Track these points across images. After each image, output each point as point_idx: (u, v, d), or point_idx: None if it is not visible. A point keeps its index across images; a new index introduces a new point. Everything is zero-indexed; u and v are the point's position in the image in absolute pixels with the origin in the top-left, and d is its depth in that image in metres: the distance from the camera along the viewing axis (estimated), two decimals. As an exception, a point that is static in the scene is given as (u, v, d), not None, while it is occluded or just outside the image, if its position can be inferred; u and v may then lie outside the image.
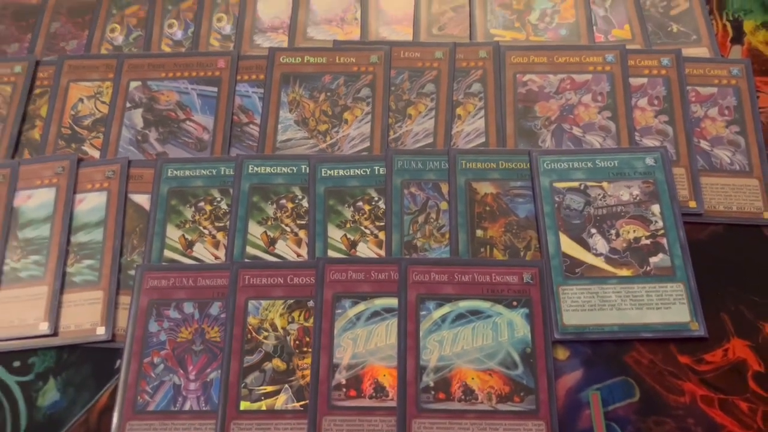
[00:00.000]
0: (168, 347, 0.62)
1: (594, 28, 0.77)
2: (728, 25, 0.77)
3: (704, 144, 0.69)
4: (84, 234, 0.68)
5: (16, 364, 0.63)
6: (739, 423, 0.57)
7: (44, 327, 0.63)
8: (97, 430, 0.60)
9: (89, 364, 0.63)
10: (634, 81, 0.72)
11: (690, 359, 0.60)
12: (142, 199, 0.69)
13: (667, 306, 0.61)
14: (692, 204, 0.66)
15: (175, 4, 0.82)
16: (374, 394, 0.59)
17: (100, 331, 0.63)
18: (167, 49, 0.79)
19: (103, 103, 0.75)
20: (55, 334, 0.63)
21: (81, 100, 0.75)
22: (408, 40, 0.78)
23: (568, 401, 0.59)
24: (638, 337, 0.61)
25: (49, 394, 0.61)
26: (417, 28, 0.78)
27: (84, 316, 0.64)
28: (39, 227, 0.68)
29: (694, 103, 0.71)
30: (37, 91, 0.77)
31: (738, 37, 0.76)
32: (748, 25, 0.77)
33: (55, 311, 0.64)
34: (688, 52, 0.74)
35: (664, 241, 0.64)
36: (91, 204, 0.69)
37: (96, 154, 0.72)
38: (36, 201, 0.69)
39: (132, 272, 0.66)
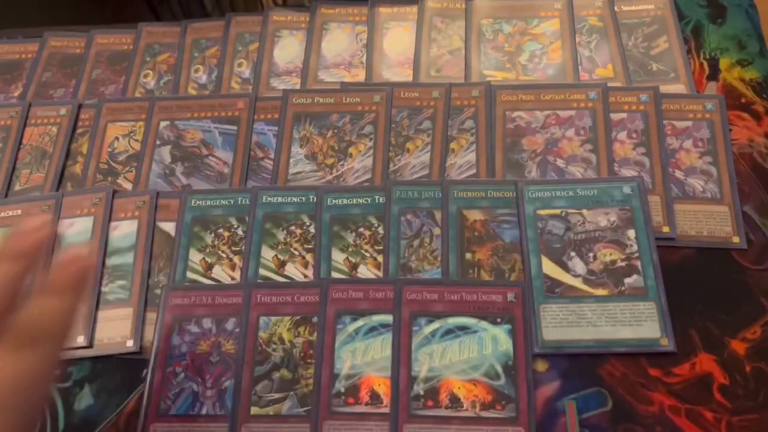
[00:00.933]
0: (188, 358, 0.70)
1: (579, 67, 0.84)
2: (705, 63, 0.83)
3: (679, 173, 0.75)
4: (117, 257, 0.76)
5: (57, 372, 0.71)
6: (704, 431, 0.62)
7: (81, 340, 0.72)
8: (125, 431, 0.67)
9: (119, 373, 0.71)
10: (615, 116, 0.79)
11: (660, 372, 0.65)
12: (169, 227, 0.78)
13: (639, 323, 0.67)
14: (666, 229, 0.72)
15: (200, 51, 0.92)
16: (370, 402, 0.65)
17: (130, 343, 0.71)
18: (193, 92, 0.88)
19: (136, 141, 0.84)
20: (90, 346, 0.72)
21: (117, 138, 0.85)
22: (409, 81, 0.85)
23: (546, 410, 0.64)
24: (612, 352, 0.66)
25: (85, 399, 0.70)
26: (417, 70, 0.86)
27: (116, 330, 0.72)
28: (78, 251, 0.77)
29: (670, 136, 0.77)
30: (79, 130, 0.86)
31: (714, 74, 0.82)
32: (723, 62, 0.82)
33: (90, 326, 0.72)
34: (666, 88, 0.80)
35: (638, 263, 0.70)
36: (124, 231, 0.78)
37: (129, 186, 0.81)
38: (76, 228, 0.78)
39: (158, 291, 0.74)
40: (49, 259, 0.76)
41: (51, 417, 0.69)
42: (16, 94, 0.91)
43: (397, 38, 0.89)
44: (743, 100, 0.79)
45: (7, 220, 0.79)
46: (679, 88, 0.81)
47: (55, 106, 0.88)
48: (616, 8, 0.88)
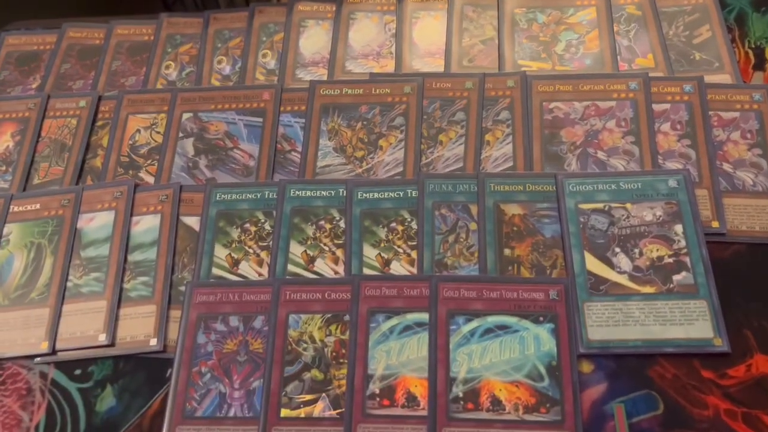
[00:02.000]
0: (215, 358, 0.67)
1: (618, 57, 0.80)
2: (750, 52, 0.79)
3: (727, 166, 0.72)
4: (139, 253, 0.73)
5: (77, 372, 0.68)
6: (762, 436, 0.58)
7: (103, 338, 0.69)
8: (149, 434, 0.64)
9: (143, 372, 0.68)
10: (657, 107, 0.75)
11: (713, 374, 0.62)
12: (193, 221, 0.75)
13: (690, 322, 0.63)
14: (715, 224, 0.69)
15: (224, 42, 0.89)
16: (406, 404, 0.62)
17: (153, 342, 0.68)
18: (216, 83, 0.86)
19: (158, 133, 0.82)
20: (112, 344, 0.69)
21: (138, 130, 0.82)
22: (440, 71, 0.82)
23: (593, 413, 0.61)
24: (661, 352, 0.63)
25: (107, 400, 0.67)
26: (448, 60, 0.83)
27: (138, 329, 0.69)
28: (99, 247, 0.74)
29: (717, 128, 0.74)
30: (99, 123, 0.84)
31: (760, 63, 0.78)
32: (770, 52, 0.79)
33: (112, 324, 0.69)
34: (711, 78, 0.77)
35: (687, 259, 0.66)
36: (146, 225, 0.75)
37: (151, 180, 0.79)
38: (97, 223, 0.76)
39: (182, 288, 0.71)
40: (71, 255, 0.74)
41: (72, 418, 0.66)
42: (34, 86, 0.89)
43: (427, 28, 0.86)
44: (792, 90, 0.76)
45: (27, 214, 0.77)
46: (724, 78, 0.77)
47: (74, 98, 0.85)
48: (654, -4, 0.85)
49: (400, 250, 0.71)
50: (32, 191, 0.79)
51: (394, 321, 0.66)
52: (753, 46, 0.80)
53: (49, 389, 0.67)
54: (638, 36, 0.82)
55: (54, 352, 0.69)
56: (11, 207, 0.77)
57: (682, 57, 0.80)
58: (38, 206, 0.77)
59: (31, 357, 0.69)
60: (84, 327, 0.70)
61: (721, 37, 0.80)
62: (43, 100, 0.85)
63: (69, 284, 0.72)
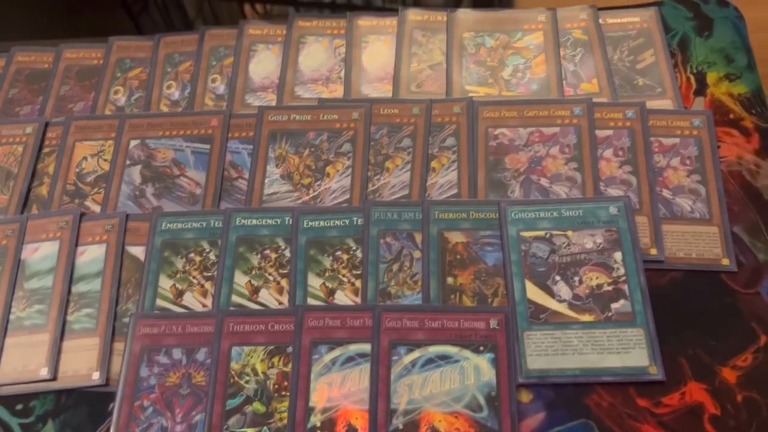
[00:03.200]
0: (157, 391, 0.66)
1: (564, 82, 0.81)
2: (692, 77, 0.81)
3: (666, 193, 0.73)
4: (84, 284, 0.73)
5: (19, 407, 0.68)
6: (694, 464, 0.59)
7: (44, 372, 0.68)
8: (90, 470, 0.64)
9: (85, 406, 0.67)
10: (600, 133, 0.76)
11: (648, 402, 0.63)
12: (138, 251, 0.74)
13: (627, 350, 0.64)
14: (653, 251, 0.70)
15: (173, 66, 0.89)
16: (347, 436, 0.63)
17: (96, 376, 0.68)
18: (165, 109, 0.85)
19: (105, 160, 0.81)
20: (54, 378, 0.68)
21: (85, 158, 0.81)
22: (388, 96, 0.83)
23: (531, 443, 0.61)
24: (599, 381, 0.63)
25: (48, 436, 0.66)
26: (397, 85, 0.83)
27: (81, 362, 0.69)
28: (43, 278, 0.73)
29: (657, 153, 0.75)
30: (46, 150, 0.83)
31: (701, 89, 0.79)
32: (711, 77, 0.80)
33: (55, 357, 0.69)
34: (653, 104, 0.78)
35: (625, 287, 0.67)
36: (91, 256, 0.75)
37: (97, 208, 0.78)
38: (41, 253, 0.75)
39: (126, 320, 0.70)
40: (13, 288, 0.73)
41: (12, 455, 0.65)
42: (-19, 111, 0.88)
43: (377, 52, 0.87)
44: (731, 116, 0.77)
45: (-31, 245, 0.76)
46: (666, 103, 0.79)
47: (21, 124, 0.85)
48: (601, 21, 0.85)
49: (345, 280, 0.71)
50: (-24, 221, 0.78)
51: (336, 352, 0.66)
52: (695, 71, 0.81)
53: (-10, 425, 0.67)
54: (584, 60, 0.83)
55: (-5, 387, 0.68)
56: (-46, 237, 0.77)
57: (626, 82, 0.81)
58: (-18, 236, 0.76)
59: (-28, 392, 0.69)
60: (26, 361, 0.69)
61: (664, 62, 0.81)
62: (-11, 127, 0.84)
63: (12, 317, 0.71)
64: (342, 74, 0.85)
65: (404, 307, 0.68)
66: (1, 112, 0.87)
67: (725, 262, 0.69)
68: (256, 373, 0.66)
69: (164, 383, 0.67)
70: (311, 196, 0.76)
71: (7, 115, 0.87)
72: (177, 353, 0.68)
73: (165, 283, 0.72)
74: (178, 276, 0.72)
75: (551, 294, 0.68)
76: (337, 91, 0.84)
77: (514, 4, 1.39)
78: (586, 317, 0.66)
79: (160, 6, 1.47)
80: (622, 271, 0.68)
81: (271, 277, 0.71)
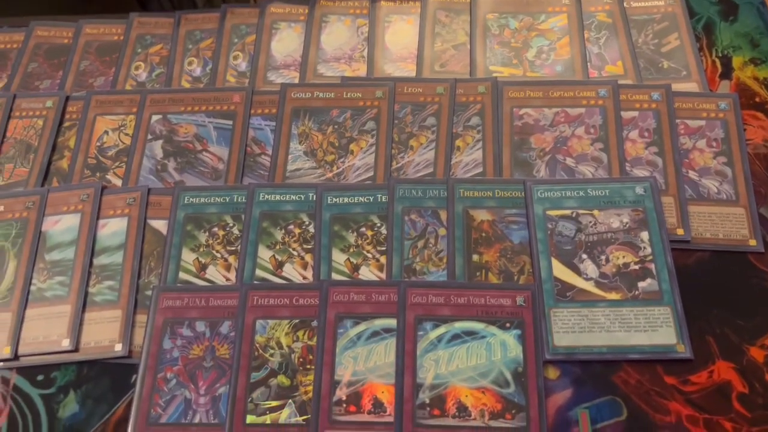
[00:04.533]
0: (180, 363, 0.66)
1: (588, 64, 0.81)
2: (717, 61, 0.80)
3: (692, 174, 0.73)
4: (105, 257, 0.72)
5: (40, 377, 0.67)
6: (723, 442, 0.59)
7: (66, 343, 0.68)
8: (112, 441, 0.64)
9: (107, 378, 0.67)
10: (626, 114, 0.76)
11: (676, 380, 0.62)
12: (160, 225, 0.74)
13: (655, 329, 0.64)
14: (680, 231, 0.69)
15: (194, 43, 0.88)
16: (373, 410, 0.62)
17: (118, 347, 0.68)
18: (187, 85, 0.85)
19: (127, 135, 0.80)
20: (76, 350, 0.68)
21: (106, 132, 0.81)
22: (412, 76, 0.82)
23: (558, 419, 0.61)
24: (626, 359, 0.63)
25: (69, 407, 0.66)
26: (420, 65, 0.83)
27: (103, 334, 0.68)
28: (64, 250, 0.73)
29: (683, 135, 0.75)
30: (66, 124, 0.82)
31: (727, 72, 0.79)
32: (736, 61, 0.80)
33: (76, 329, 0.68)
34: (678, 87, 0.78)
35: (652, 266, 0.67)
36: (113, 229, 0.74)
37: (118, 182, 0.78)
38: (62, 226, 0.74)
39: (149, 293, 0.70)
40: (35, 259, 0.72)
41: (33, 425, 0.65)
42: (0, 85, 0.87)
43: (400, 32, 0.86)
44: (757, 99, 0.77)
45: (-11, 216, 0.75)
46: (691, 86, 0.78)
47: (41, 98, 0.84)
48: (625, 4, 0.85)
49: (369, 256, 0.70)
50: (-4, 193, 0.78)
51: (361, 327, 0.66)
52: (720, 55, 0.81)
53: (11, 395, 0.66)
54: (608, 43, 0.83)
55: (16, 357, 0.68)
56: (-26, 209, 0.76)
57: (650, 65, 0.81)
58: (2, 208, 0.76)
59: (-7, 362, 0.68)
60: (47, 332, 0.69)
61: (689, 46, 0.81)
62: (9, 100, 0.84)
63: (32, 288, 0.71)
64: (365, 53, 0.85)
65: (430, 283, 0.68)
66: (20, 85, 0.87)
67: (752, 242, 0.68)
68: (280, 347, 0.66)
69: (187, 356, 0.66)
70: (335, 172, 0.76)
71: (26, 89, 0.86)
72: (200, 326, 0.67)
73: (188, 257, 0.72)
74: (202, 250, 0.72)
75: (578, 272, 0.67)
76: (360, 69, 0.84)
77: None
78: (613, 295, 0.66)
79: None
80: (648, 250, 0.68)
81: (295, 252, 0.71)
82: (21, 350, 0.68)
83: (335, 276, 0.69)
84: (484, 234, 0.70)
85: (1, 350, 0.68)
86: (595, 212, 0.70)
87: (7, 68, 0.89)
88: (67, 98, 0.84)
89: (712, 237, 0.69)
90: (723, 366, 0.63)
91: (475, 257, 0.69)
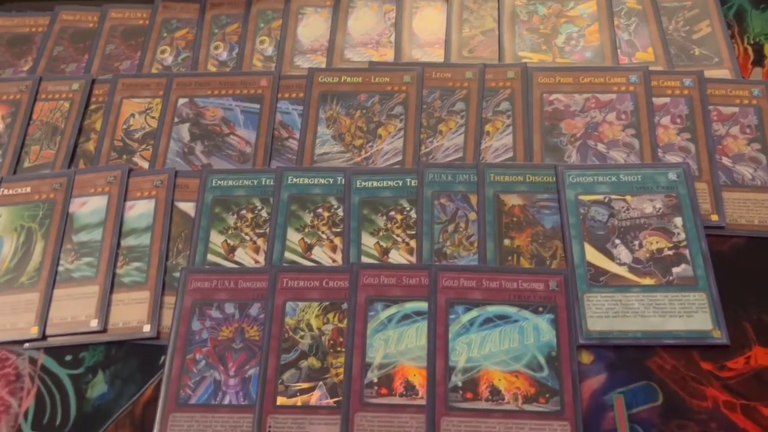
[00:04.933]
0: (209, 345, 0.65)
1: (618, 51, 0.80)
2: (749, 48, 0.80)
3: (726, 160, 0.72)
4: (133, 238, 0.72)
5: (68, 358, 0.67)
6: (761, 428, 0.58)
7: (94, 324, 0.67)
8: (141, 421, 0.63)
9: (135, 359, 0.66)
10: (657, 101, 0.75)
11: (712, 366, 0.62)
12: (188, 207, 0.74)
13: (690, 314, 0.63)
14: (714, 217, 0.69)
15: (220, 27, 0.88)
16: (404, 393, 0.62)
17: (146, 328, 0.67)
18: (213, 69, 0.84)
19: (153, 118, 0.80)
20: (104, 330, 0.67)
21: (133, 115, 0.81)
22: (439, 61, 0.82)
23: (593, 403, 0.60)
24: (661, 344, 0.62)
25: (98, 387, 0.65)
26: (448, 50, 0.82)
27: (131, 315, 0.68)
28: (92, 231, 0.73)
29: (716, 122, 0.74)
30: (92, 106, 0.82)
31: (759, 59, 0.79)
32: (768, 48, 0.79)
33: (104, 309, 0.68)
34: (710, 73, 0.77)
35: (686, 252, 0.66)
36: (140, 210, 0.74)
37: (145, 165, 0.77)
38: (90, 207, 0.74)
39: (176, 274, 0.70)
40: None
41: (62, 405, 0.64)
42: (25, 68, 0.87)
43: (427, 18, 0.86)
44: (790, 87, 0.76)
45: (17, 197, 0.75)
46: (723, 73, 0.78)
47: (67, 81, 0.84)
48: (655, -9, 0.85)
49: (399, 239, 0.70)
50: (23, 174, 0.77)
51: (392, 310, 0.65)
52: (752, 42, 0.80)
53: (39, 375, 0.66)
54: (638, 30, 0.82)
55: (44, 337, 0.67)
56: (1, 190, 0.76)
57: (681, 52, 0.80)
58: (29, 189, 0.75)
59: (21, 342, 0.68)
60: (75, 312, 0.68)
61: (721, 33, 0.80)
62: (35, 83, 0.83)
63: (60, 269, 0.71)
64: (392, 38, 0.84)
65: (461, 267, 0.67)
66: (45, 68, 0.86)
67: (788, 229, 0.68)
68: (311, 329, 0.65)
69: (217, 337, 0.66)
70: (363, 157, 0.76)
71: (52, 72, 0.86)
72: (229, 308, 0.67)
73: (216, 239, 0.71)
74: (230, 232, 0.71)
75: (611, 257, 0.67)
76: (387, 54, 0.83)
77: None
78: (647, 281, 0.65)
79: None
80: (682, 236, 0.67)
81: (324, 235, 0.71)
82: (49, 330, 0.68)
83: (365, 259, 0.69)
84: (515, 218, 0.70)
85: (29, 330, 0.68)
86: (628, 197, 0.69)
87: (32, 51, 0.88)
88: (93, 81, 0.84)
89: (748, 223, 0.68)
90: (760, 352, 0.62)
91: (507, 242, 0.69)
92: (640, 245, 0.67)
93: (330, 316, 0.66)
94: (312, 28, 0.86)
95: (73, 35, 0.89)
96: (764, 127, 0.73)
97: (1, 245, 0.72)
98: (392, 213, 0.71)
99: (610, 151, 0.73)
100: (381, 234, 0.70)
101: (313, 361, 0.64)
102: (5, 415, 0.64)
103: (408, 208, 0.71)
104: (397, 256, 0.69)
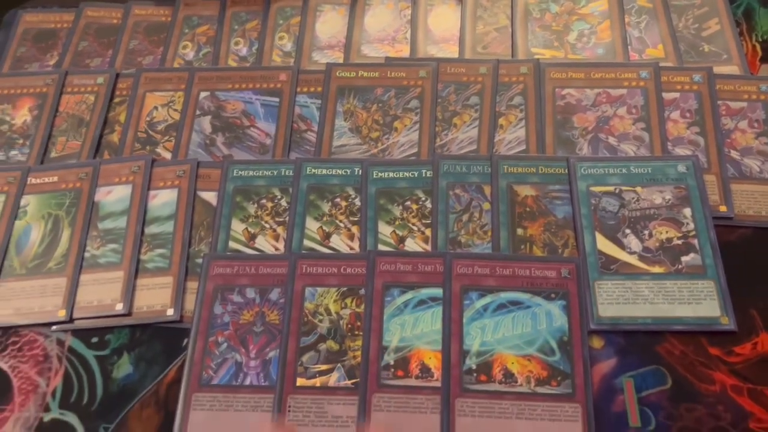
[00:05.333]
0: (231, 328, 0.68)
1: (629, 47, 0.82)
2: (757, 45, 0.81)
3: (734, 153, 0.74)
4: (156, 226, 0.74)
5: (94, 340, 0.69)
6: (767, 411, 0.60)
7: (120, 307, 0.70)
8: (165, 401, 0.65)
9: (159, 341, 0.69)
10: (667, 95, 0.77)
11: (720, 351, 0.63)
12: (210, 196, 0.76)
13: (698, 301, 0.65)
14: (723, 208, 0.70)
15: (241, 24, 0.90)
16: (420, 375, 0.63)
17: (170, 312, 0.69)
18: (234, 64, 0.87)
19: (175, 110, 0.83)
20: (129, 314, 0.70)
21: (156, 108, 0.83)
22: (454, 57, 0.84)
23: (603, 386, 0.62)
24: (670, 330, 0.64)
25: (123, 368, 0.67)
26: (462, 46, 0.84)
27: (155, 299, 0.70)
28: (117, 219, 0.75)
29: (725, 116, 0.76)
30: (116, 99, 0.85)
31: (767, 56, 0.80)
32: (777, 45, 0.81)
33: (129, 293, 0.70)
34: (719, 70, 0.79)
35: (695, 241, 0.68)
36: (163, 199, 0.76)
37: (168, 155, 0.80)
38: (114, 196, 0.76)
39: (199, 261, 0.72)
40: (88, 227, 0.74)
41: (89, 384, 0.66)
42: (51, 62, 0.90)
43: (442, 15, 0.88)
44: (798, 83, 0.78)
45: (44, 186, 0.77)
46: (732, 69, 0.79)
47: (92, 75, 0.86)
48: (665, -10, 0.87)
49: (415, 228, 0.72)
50: (50, 164, 0.80)
51: (408, 295, 0.67)
52: (760, 39, 0.82)
53: (66, 356, 0.68)
54: (649, 27, 0.84)
55: (71, 320, 0.70)
56: (29, 179, 0.78)
57: (691, 48, 0.82)
58: (56, 179, 0.78)
59: (49, 324, 0.70)
60: (101, 296, 0.71)
61: (730, 30, 0.82)
62: (60, 76, 0.86)
63: (86, 255, 0.73)
64: (407, 35, 0.87)
65: (475, 255, 0.69)
66: (71, 63, 0.89)
67: (795, 220, 0.69)
68: (329, 313, 0.67)
69: (238, 321, 0.68)
70: (379, 149, 0.78)
71: (77, 66, 0.89)
72: (250, 293, 0.69)
73: (237, 227, 0.73)
74: (251, 220, 0.74)
75: (621, 246, 0.68)
76: (403, 50, 0.85)
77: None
78: (657, 269, 0.67)
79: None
80: (691, 226, 0.69)
81: (341, 224, 0.73)
82: (76, 314, 0.70)
83: (381, 247, 0.71)
84: (528, 209, 0.72)
85: (57, 313, 0.70)
86: (638, 189, 0.71)
87: (58, 47, 0.91)
88: (118, 75, 0.86)
89: (755, 214, 0.70)
90: (767, 338, 0.64)
91: (520, 231, 0.71)
92: (650, 235, 0.69)
93: (348, 301, 0.68)
94: (330, 24, 0.89)
95: (97, 31, 0.92)
96: (772, 122, 0.75)
97: (30, 232, 0.75)
98: (408, 203, 0.73)
99: (621, 144, 0.75)
100: (397, 223, 0.72)
101: (331, 344, 0.66)
102: (34, 394, 0.66)
103: (423, 198, 0.73)
104: (412, 245, 0.71)
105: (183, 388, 0.65)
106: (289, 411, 0.63)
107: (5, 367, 0.68)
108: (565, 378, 0.62)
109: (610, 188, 0.72)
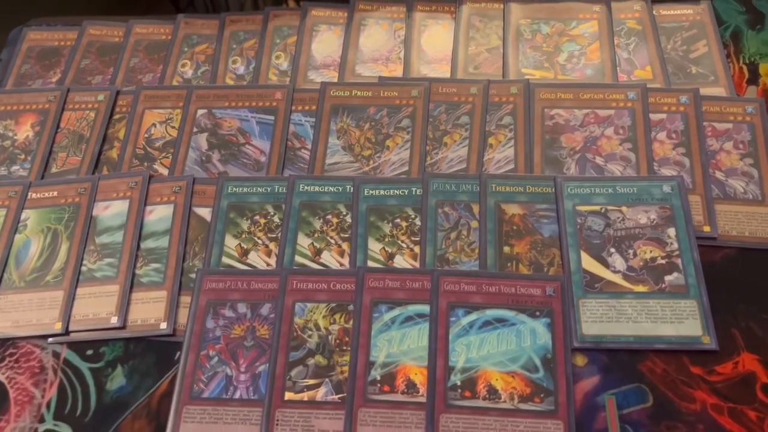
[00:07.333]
0: (222, 342, 0.69)
1: (618, 68, 0.84)
2: (744, 68, 0.83)
3: (719, 174, 0.75)
4: (152, 241, 0.76)
5: (89, 352, 0.71)
6: (747, 430, 0.61)
7: (115, 320, 0.71)
8: (157, 413, 0.67)
9: (152, 354, 0.70)
10: (654, 116, 0.79)
11: (702, 370, 0.64)
12: (204, 212, 0.78)
13: (681, 320, 0.66)
14: (706, 228, 0.71)
15: (239, 43, 0.92)
16: (406, 390, 0.65)
17: (163, 325, 0.71)
18: (231, 82, 0.89)
19: (173, 127, 0.85)
20: (123, 327, 0.71)
21: (154, 125, 0.85)
22: (446, 77, 0.86)
23: (585, 404, 0.63)
24: (652, 348, 0.65)
25: (117, 380, 0.69)
26: (454, 66, 0.86)
27: (149, 313, 0.72)
28: (114, 234, 0.77)
29: (710, 137, 0.77)
30: (116, 116, 0.87)
31: (753, 78, 0.82)
32: (763, 67, 0.82)
33: (124, 307, 0.72)
34: (706, 91, 0.80)
35: (678, 261, 0.69)
36: (160, 215, 0.78)
37: (165, 171, 0.81)
38: (112, 211, 0.78)
39: (193, 275, 0.73)
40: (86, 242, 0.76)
41: (83, 396, 0.68)
42: (54, 79, 0.92)
43: (435, 36, 0.90)
44: (783, 105, 0.79)
45: (44, 201, 0.79)
46: (719, 91, 0.81)
47: (93, 92, 0.89)
48: (654, 12, 0.88)
49: (404, 245, 0.73)
50: (50, 179, 0.82)
51: (396, 312, 0.69)
52: (747, 61, 0.83)
53: (62, 368, 0.70)
54: (637, 49, 0.85)
55: (67, 332, 0.72)
56: (29, 194, 0.80)
57: (679, 70, 0.83)
58: (55, 194, 0.80)
59: (45, 337, 0.72)
60: (97, 309, 0.72)
61: (717, 53, 0.84)
62: (62, 93, 0.88)
63: (83, 269, 0.75)
64: (401, 55, 0.88)
65: (462, 272, 0.70)
66: (73, 80, 0.91)
67: (778, 241, 0.70)
68: (318, 328, 0.69)
69: (229, 335, 0.69)
70: (371, 167, 0.79)
71: (79, 83, 0.91)
72: (242, 307, 0.71)
73: (231, 243, 0.75)
74: (244, 236, 0.75)
75: (606, 265, 0.70)
76: (397, 70, 0.87)
77: None
78: (640, 288, 0.68)
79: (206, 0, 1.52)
80: (675, 245, 0.70)
81: (332, 240, 0.74)
82: (72, 326, 0.72)
83: (371, 263, 0.72)
84: (515, 227, 0.73)
85: (53, 326, 0.72)
86: (624, 209, 0.73)
87: (61, 64, 0.94)
88: (118, 93, 0.88)
89: (738, 235, 0.71)
90: (748, 357, 0.64)
91: (506, 249, 0.72)
92: (635, 254, 0.70)
93: (336, 316, 0.69)
94: (325, 44, 0.91)
95: (99, 49, 0.94)
96: (757, 143, 0.76)
97: (29, 246, 0.77)
98: (398, 220, 0.75)
99: (608, 164, 0.76)
100: (387, 240, 0.74)
101: (319, 359, 0.67)
102: (29, 405, 0.68)
103: (413, 216, 0.75)
104: (401, 261, 0.73)
105: (174, 401, 0.66)
106: (277, 424, 0.64)
107: (2, 378, 0.70)
108: (548, 395, 0.63)
109: (596, 208, 0.73)
